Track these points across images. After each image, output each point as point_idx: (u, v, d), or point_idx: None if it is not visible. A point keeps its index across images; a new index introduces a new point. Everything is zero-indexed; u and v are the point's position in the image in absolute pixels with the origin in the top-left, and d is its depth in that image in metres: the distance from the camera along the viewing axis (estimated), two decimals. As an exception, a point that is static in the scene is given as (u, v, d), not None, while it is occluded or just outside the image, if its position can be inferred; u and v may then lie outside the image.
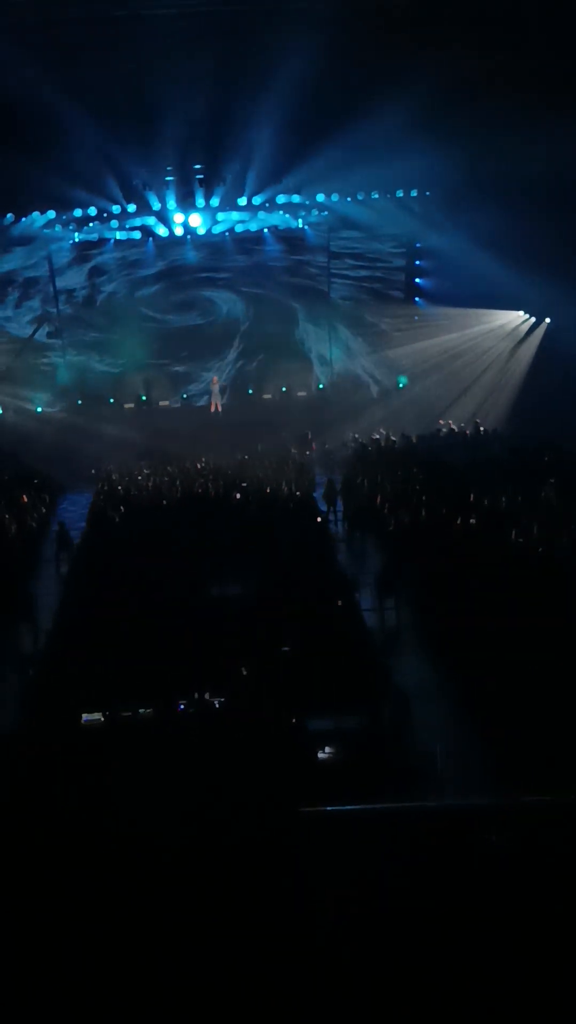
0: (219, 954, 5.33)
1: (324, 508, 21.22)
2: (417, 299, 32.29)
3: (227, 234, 30.79)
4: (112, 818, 7.25)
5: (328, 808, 6.20)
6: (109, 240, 30.78)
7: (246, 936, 5.42)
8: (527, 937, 5.10)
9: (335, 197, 28.72)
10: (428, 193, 28.67)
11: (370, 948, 5.11)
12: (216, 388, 30.89)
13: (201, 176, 28.17)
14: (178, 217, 29.49)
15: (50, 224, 29.35)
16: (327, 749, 9.37)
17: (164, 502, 21.26)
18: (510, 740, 9.53)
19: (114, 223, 29.87)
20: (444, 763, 9.24)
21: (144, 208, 28.95)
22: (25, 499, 21.54)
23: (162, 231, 30.16)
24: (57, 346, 31.57)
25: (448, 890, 5.41)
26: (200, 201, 28.90)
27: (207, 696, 10.64)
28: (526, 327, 30.45)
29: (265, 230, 31.01)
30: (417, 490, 20.13)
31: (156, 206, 28.96)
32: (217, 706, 10.52)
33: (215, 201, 28.88)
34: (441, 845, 5.76)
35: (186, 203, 29.04)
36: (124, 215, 29.23)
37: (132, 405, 31.64)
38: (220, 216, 29.86)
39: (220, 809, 7.19)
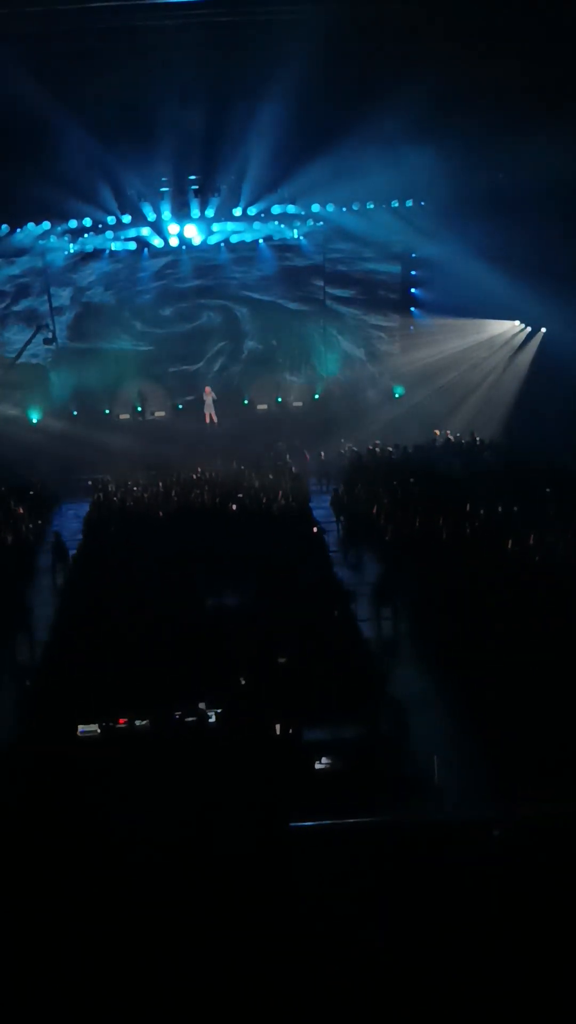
0: (212, 964, 5.30)
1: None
2: (413, 309, 32.29)
3: (222, 244, 30.81)
4: (108, 829, 7.22)
5: (321, 823, 6.17)
6: (104, 251, 30.76)
7: (240, 945, 5.39)
8: (526, 949, 5.07)
9: (330, 207, 28.70)
10: (424, 203, 28.71)
11: (363, 962, 5.08)
12: (209, 399, 30.86)
13: (196, 187, 28.25)
14: (173, 228, 29.52)
15: (45, 235, 29.32)
16: (324, 759, 9.36)
17: (160, 512, 21.21)
18: (507, 749, 9.51)
19: (109, 234, 29.85)
20: (441, 772, 9.22)
21: (139, 219, 29.02)
22: (21, 510, 21.49)
23: (157, 242, 30.16)
24: (52, 357, 31.56)
25: (445, 903, 5.38)
26: (195, 212, 28.97)
27: (204, 707, 10.61)
28: (522, 337, 30.46)
29: (260, 240, 31.03)
30: (413, 500, 20.11)
31: (151, 217, 29.03)
32: (214, 717, 10.49)
33: (210, 212, 28.94)
34: (437, 858, 5.73)
35: (181, 214, 29.10)
36: (119, 226, 29.25)
37: (127, 416, 31.56)
38: (215, 227, 29.90)
39: (217, 820, 7.16)
